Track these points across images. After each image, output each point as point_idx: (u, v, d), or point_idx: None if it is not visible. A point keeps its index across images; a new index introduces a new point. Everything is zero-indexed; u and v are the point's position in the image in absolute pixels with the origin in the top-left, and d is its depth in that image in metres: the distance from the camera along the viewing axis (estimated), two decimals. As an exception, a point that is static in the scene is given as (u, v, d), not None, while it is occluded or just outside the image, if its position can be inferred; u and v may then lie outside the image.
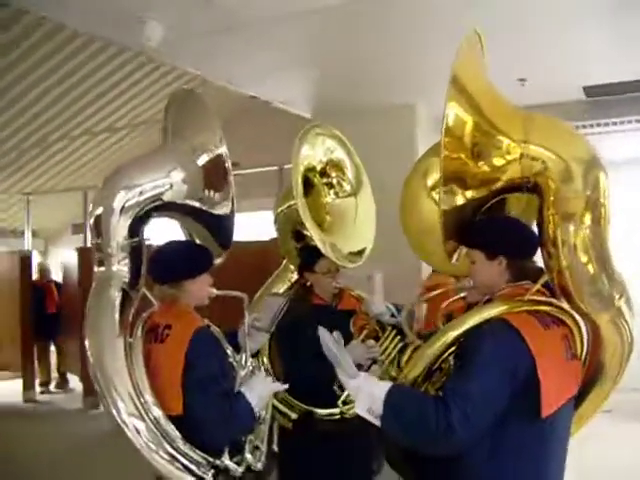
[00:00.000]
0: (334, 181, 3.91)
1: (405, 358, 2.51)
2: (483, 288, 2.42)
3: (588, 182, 2.27)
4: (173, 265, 2.74)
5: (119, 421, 2.51)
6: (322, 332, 2.28)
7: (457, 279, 3.24)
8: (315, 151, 3.73)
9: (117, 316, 2.65)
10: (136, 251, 2.76)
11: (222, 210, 2.99)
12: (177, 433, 2.53)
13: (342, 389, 3.38)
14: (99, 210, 2.73)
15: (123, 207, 2.71)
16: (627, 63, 5.18)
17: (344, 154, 3.88)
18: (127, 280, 2.73)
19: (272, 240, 4.64)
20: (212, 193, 2.91)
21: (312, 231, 3.43)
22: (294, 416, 3.55)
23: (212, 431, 2.55)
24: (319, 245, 3.43)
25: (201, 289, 2.78)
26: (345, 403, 3.37)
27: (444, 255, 2.65)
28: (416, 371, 2.28)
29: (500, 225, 2.43)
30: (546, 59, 5.06)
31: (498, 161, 2.32)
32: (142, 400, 2.53)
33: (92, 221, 2.75)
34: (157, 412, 2.54)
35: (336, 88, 5.85)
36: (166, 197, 2.82)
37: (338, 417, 3.48)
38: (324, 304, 3.67)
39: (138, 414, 2.51)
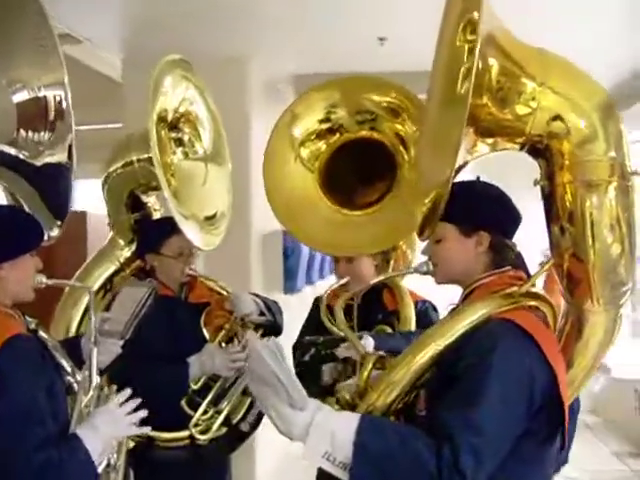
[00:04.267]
0: (185, 138, 3.11)
1: (364, 376, 1.78)
2: (452, 275, 1.83)
3: (611, 140, 1.76)
4: None
5: None
6: (253, 339, 1.66)
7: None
8: (173, 95, 2.90)
9: None
10: None
11: (48, 160, 2.17)
12: None
13: (194, 406, 2.65)
14: None
15: None
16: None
17: (205, 112, 3.11)
18: None
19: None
20: (32, 134, 2.06)
21: (170, 199, 2.64)
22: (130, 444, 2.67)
23: None
24: (177, 219, 2.63)
25: (24, 276, 1.91)
26: (197, 425, 2.66)
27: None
28: (391, 395, 1.61)
29: (480, 192, 1.82)
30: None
31: (522, 109, 1.73)
32: None
33: None
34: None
35: (151, 32, 4.85)
36: None
37: (187, 442, 2.68)
38: (170, 295, 2.84)
39: None
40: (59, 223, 2.21)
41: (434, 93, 2.01)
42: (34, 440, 1.69)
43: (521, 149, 1.82)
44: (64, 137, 2.20)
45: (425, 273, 1.87)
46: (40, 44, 2.10)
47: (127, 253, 3.07)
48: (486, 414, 1.48)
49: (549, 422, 1.59)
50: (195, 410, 2.67)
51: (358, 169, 2.92)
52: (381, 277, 2.15)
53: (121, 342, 2.22)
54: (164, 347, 2.70)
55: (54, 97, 2.15)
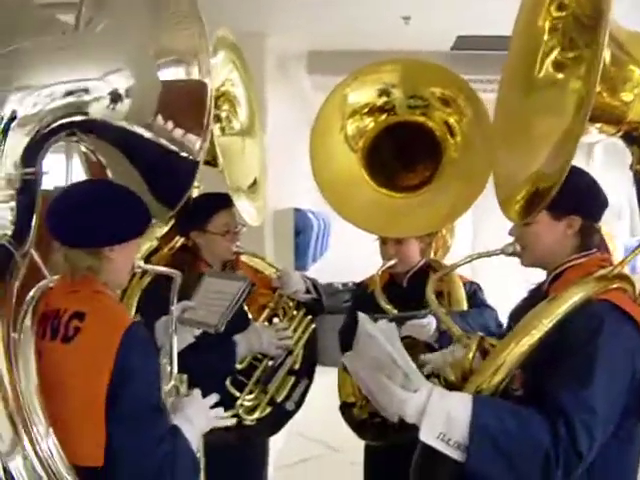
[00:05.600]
0: (223, 114, 3.09)
1: (469, 357, 1.81)
2: (539, 257, 1.88)
3: None
4: (99, 219, 1.78)
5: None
6: (363, 319, 1.57)
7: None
8: (218, 74, 2.90)
9: (-7, 293, 1.62)
10: (29, 189, 1.71)
11: (183, 149, 1.90)
12: None
13: (238, 387, 2.64)
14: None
15: (18, 117, 1.63)
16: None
17: (243, 93, 3.13)
18: (10, 233, 1.67)
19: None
20: (169, 124, 1.90)
21: (226, 172, 2.67)
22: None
23: None
24: (231, 191, 2.65)
25: (130, 260, 1.88)
26: (243, 405, 2.65)
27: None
28: (499, 376, 1.62)
29: (573, 177, 1.80)
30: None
31: (627, 96, 1.73)
32: (33, 432, 1.57)
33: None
34: (54, 452, 1.59)
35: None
36: (93, 111, 1.77)
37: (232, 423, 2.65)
38: (214, 274, 2.81)
39: (22, 456, 1.55)
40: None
41: (514, 79, 2.02)
42: (157, 433, 1.66)
43: (613, 135, 1.82)
44: (200, 129, 1.94)
45: (512, 254, 1.91)
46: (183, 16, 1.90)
47: (164, 229, 3.04)
48: (597, 393, 1.52)
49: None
50: (239, 390, 2.65)
51: (400, 152, 2.95)
52: (462, 261, 2.15)
53: (198, 332, 2.25)
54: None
55: (200, 82, 1.90)
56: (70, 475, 1.61)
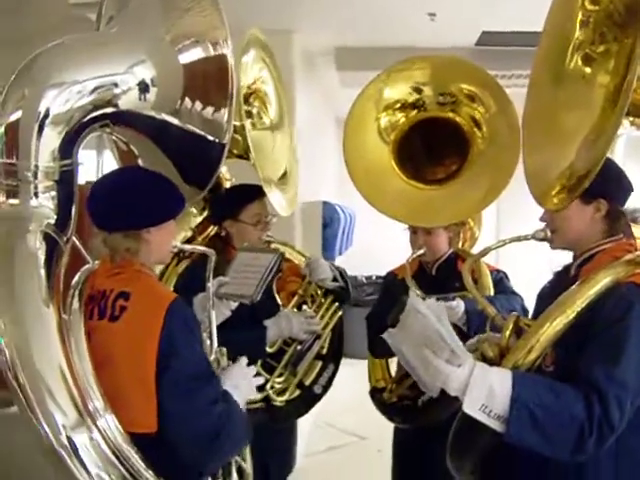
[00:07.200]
0: (254, 111, 3.19)
1: (506, 335, 1.89)
2: (569, 240, 1.97)
3: None
4: (134, 203, 1.88)
5: (56, 444, 1.63)
6: (414, 300, 1.67)
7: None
8: (250, 72, 2.99)
9: (44, 278, 1.73)
10: (67, 180, 1.82)
11: (210, 132, 2.00)
12: (140, 462, 1.72)
13: (268, 370, 2.74)
14: (15, 115, 1.74)
15: (52, 114, 1.74)
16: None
17: (273, 90, 3.22)
18: (53, 222, 1.79)
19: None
20: (198, 105, 1.99)
21: (257, 164, 2.72)
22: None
23: (198, 455, 1.77)
24: (263, 183, 2.73)
25: (166, 241, 1.97)
26: (272, 387, 2.74)
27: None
28: (535, 353, 1.72)
29: None
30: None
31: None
32: (91, 408, 1.68)
33: (2, 130, 1.75)
34: (112, 426, 1.70)
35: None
36: (123, 103, 1.87)
37: (262, 405, 2.73)
38: (244, 262, 2.91)
39: (86, 430, 1.66)
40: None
41: (544, 72, 2.09)
42: (211, 396, 1.78)
43: None
44: (224, 110, 2.01)
45: (542, 239, 2.00)
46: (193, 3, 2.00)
47: (198, 219, 3.15)
48: (628, 369, 1.62)
49: None
50: (270, 374, 2.74)
51: (428, 146, 3.03)
52: (494, 245, 2.21)
53: (235, 305, 2.36)
54: (239, 312, 2.79)
55: (221, 59, 1.97)
56: (131, 448, 1.72)
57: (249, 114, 3.17)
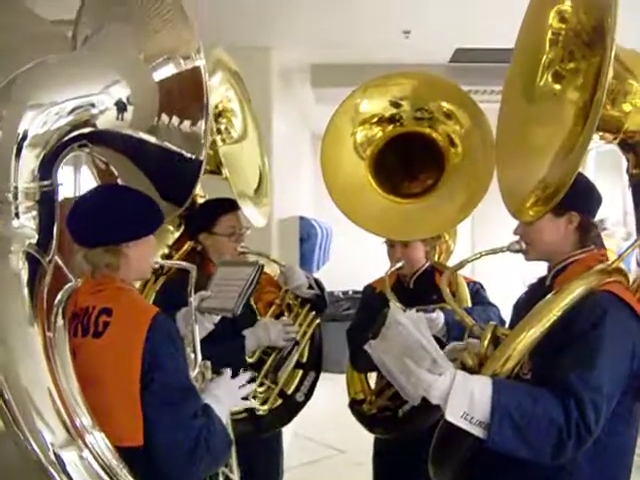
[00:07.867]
0: (222, 127, 3.28)
1: (485, 344, 1.94)
2: (543, 252, 2.04)
3: None
4: (114, 218, 1.92)
5: (44, 461, 1.63)
6: (395, 311, 1.73)
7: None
8: (216, 92, 3.11)
9: (27, 298, 1.73)
10: (48, 200, 1.83)
11: (187, 147, 2.03)
12: (129, 477, 1.73)
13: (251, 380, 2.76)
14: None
15: (30, 135, 1.75)
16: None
17: (238, 106, 3.34)
18: (35, 242, 1.80)
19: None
20: (173, 121, 2.02)
21: (230, 177, 2.85)
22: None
23: (177, 467, 1.78)
24: (236, 196, 2.83)
25: (145, 256, 2.00)
26: (255, 397, 2.76)
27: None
28: (513, 361, 1.78)
29: None
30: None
31: (627, 107, 1.88)
32: (78, 425, 1.69)
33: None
34: (101, 442, 1.71)
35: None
36: (100, 123, 1.89)
37: (245, 415, 2.73)
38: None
39: (75, 447, 1.67)
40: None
41: (517, 88, 2.15)
42: (191, 409, 1.79)
43: (610, 142, 1.96)
44: (200, 124, 2.03)
45: (517, 251, 2.06)
46: (165, 17, 2.01)
47: (176, 235, 3.18)
48: (603, 374, 1.67)
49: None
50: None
51: (404, 161, 3.08)
52: (471, 257, 2.25)
53: (217, 319, 2.39)
54: (220, 325, 2.80)
55: (194, 72, 1.99)
56: (119, 463, 1.73)
57: (218, 131, 3.26)
